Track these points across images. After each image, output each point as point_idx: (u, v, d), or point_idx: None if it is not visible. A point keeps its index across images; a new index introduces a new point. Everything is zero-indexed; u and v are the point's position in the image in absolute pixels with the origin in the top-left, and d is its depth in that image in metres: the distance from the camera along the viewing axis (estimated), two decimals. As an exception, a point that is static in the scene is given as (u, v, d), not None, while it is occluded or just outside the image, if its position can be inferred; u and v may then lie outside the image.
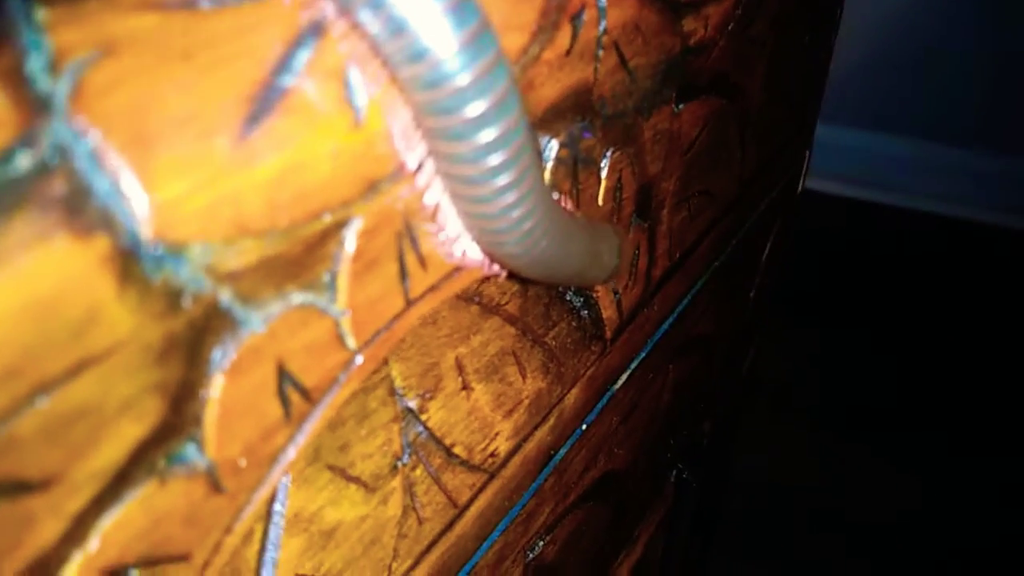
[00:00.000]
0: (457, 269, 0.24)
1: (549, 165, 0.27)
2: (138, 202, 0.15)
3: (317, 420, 0.21)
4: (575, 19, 0.26)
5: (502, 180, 0.18)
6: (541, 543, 0.38)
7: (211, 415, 0.18)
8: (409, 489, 0.26)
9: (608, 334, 0.37)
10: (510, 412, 0.31)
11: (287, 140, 0.17)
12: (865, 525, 1.22)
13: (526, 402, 0.32)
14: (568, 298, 0.33)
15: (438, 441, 0.27)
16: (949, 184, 1.88)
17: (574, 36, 0.25)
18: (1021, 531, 1.20)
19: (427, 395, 0.26)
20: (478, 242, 0.22)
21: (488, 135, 0.17)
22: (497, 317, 0.28)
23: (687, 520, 0.62)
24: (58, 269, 0.14)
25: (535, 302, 0.30)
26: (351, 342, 0.21)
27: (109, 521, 0.16)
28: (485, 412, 0.29)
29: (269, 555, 0.21)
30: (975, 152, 1.90)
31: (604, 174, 0.31)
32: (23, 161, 0.13)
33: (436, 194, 0.21)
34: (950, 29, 1.81)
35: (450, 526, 0.29)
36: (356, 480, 0.24)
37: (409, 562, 0.28)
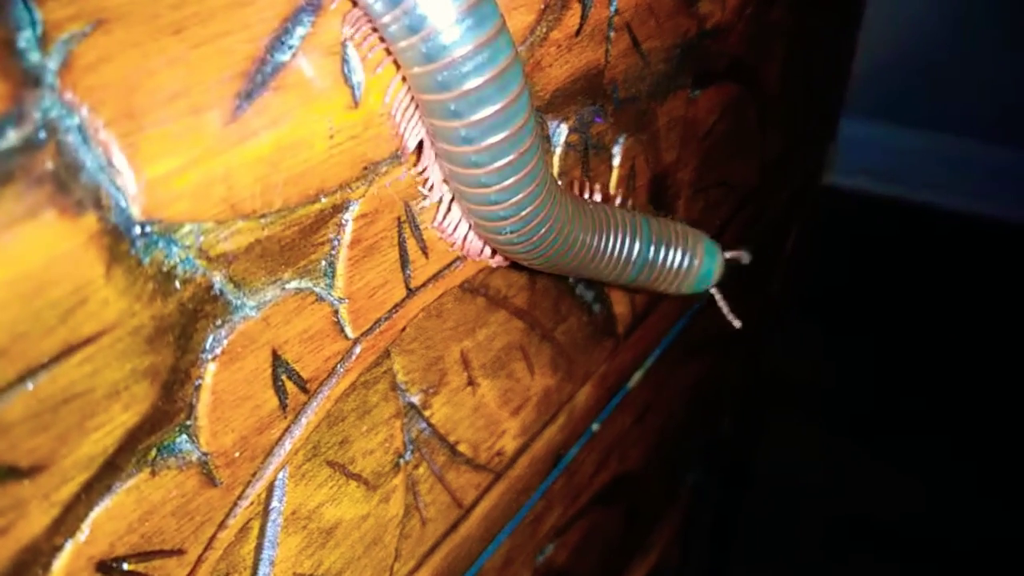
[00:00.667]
0: (461, 258, 0.23)
1: (558, 151, 0.26)
2: (127, 178, 0.14)
3: (315, 413, 0.20)
4: (585, -1, 0.25)
5: (501, 161, 0.17)
6: (551, 547, 0.37)
7: (203, 404, 0.17)
8: (412, 488, 0.26)
9: (621, 330, 0.37)
10: (518, 409, 0.30)
11: (281, 118, 0.17)
12: (867, 525, 1.21)
13: (534, 399, 0.31)
14: (579, 292, 0.32)
15: (442, 438, 0.26)
16: (988, 184, 1.85)
17: (584, 16, 0.24)
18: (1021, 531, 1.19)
19: (431, 390, 0.25)
20: (476, 230, 0.21)
21: (487, 112, 0.17)
22: (504, 310, 0.28)
23: (705, 527, 0.61)
24: (46, 247, 0.13)
25: (544, 295, 0.30)
26: (350, 331, 0.20)
27: (100, 511, 0.16)
28: (491, 409, 0.29)
29: (266, 553, 0.21)
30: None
31: (617, 161, 0.30)
32: (12, 136, 0.12)
33: (436, 178, 0.20)
34: (976, 28, 1.79)
35: (455, 527, 0.29)
36: (357, 477, 0.23)
37: (412, 563, 0.27)
